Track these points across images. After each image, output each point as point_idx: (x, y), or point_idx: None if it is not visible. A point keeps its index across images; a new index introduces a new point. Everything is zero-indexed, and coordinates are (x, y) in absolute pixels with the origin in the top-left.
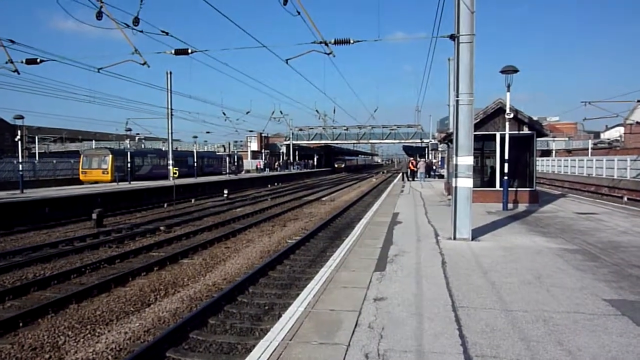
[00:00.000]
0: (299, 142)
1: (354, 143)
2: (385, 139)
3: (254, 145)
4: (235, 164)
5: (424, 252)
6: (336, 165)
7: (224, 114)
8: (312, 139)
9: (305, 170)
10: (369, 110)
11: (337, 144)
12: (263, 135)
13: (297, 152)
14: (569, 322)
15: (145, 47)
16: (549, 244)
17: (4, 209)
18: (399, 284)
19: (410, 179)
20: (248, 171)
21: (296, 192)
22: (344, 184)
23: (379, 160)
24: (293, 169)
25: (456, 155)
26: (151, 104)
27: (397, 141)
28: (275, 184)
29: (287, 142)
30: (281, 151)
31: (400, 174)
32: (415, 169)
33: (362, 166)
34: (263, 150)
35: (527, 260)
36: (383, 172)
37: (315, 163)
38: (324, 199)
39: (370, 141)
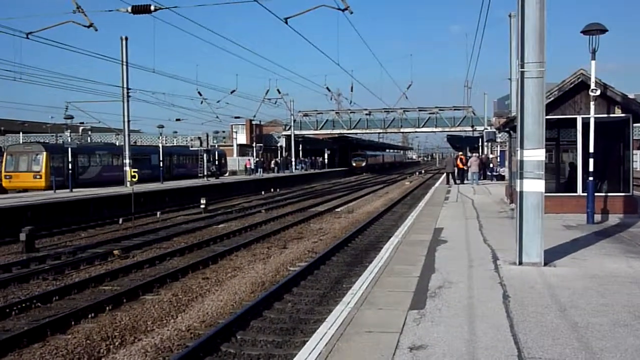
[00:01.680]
0: (303, 132)
1: (379, 133)
2: (423, 126)
3: (241, 138)
4: (217, 162)
5: (478, 283)
6: (354, 164)
7: (200, 94)
8: (321, 128)
9: (312, 171)
10: (400, 88)
11: (355, 134)
12: (254, 123)
13: (300, 145)
14: None
15: (91, 4)
16: None
17: None
18: (444, 326)
19: (458, 182)
20: (234, 173)
21: (300, 200)
22: (366, 190)
23: (414, 156)
24: (296, 169)
25: (521, 147)
26: (100, 82)
27: (439, 129)
28: (272, 189)
29: (287, 133)
30: (279, 145)
31: (444, 175)
32: (464, 168)
33: (391, 164)
34: (254, 144)
35: (622, 293)
36: (420, 173)
37: (325, 161)
38: (338, 210)
39: (402, 130)
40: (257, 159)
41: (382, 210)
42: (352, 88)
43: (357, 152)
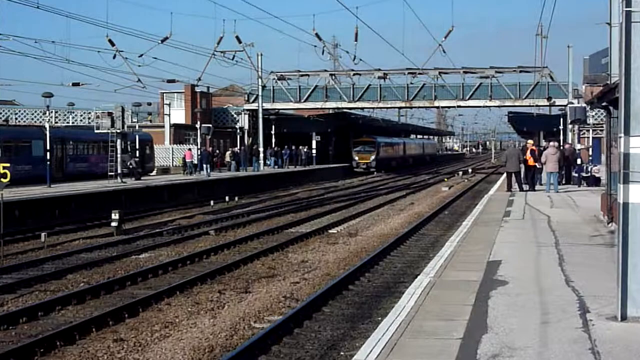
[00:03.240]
0: (277, 105)
1: (399, 108)
2: (470, 98)
3: (178, 115)
4: (138, 154)
5: (556, 350)
6: (358, 157)
7: (112, 43)
8: (306, 99)
9: (291, 169)
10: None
11: (361, 109)
12: (199, 90)
13: (274, 127)
14: None
15: None
16: None
17: None
18: None
19: (525, 187)
20: (166, 170)
21: (273, 215)
22: (378, 199)
23: (456, 146)
24: (266, 164)
25: (626, 133)
26: None
27: (496, 103)
28: (227, 198)
29: (252, 106)
30: (239, 127)
31: (504, 177)
32: (536, 165)
33: (418, 158)
34: (199, 125)
35: None
36: (464, 173)
37: (314, 152)
38: (333, 231)
39: (437, 103)
40: (203, 149)
41: (404, 232)
42: (356, 35)
43: (363, 138)
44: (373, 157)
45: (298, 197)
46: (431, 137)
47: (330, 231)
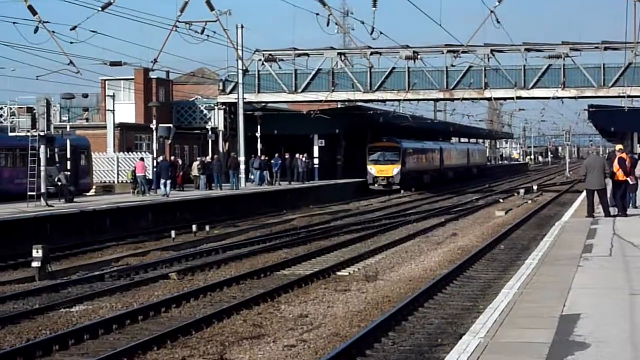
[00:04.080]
0: (264, 96)
1: (434, 100)
2: (534, 86)
3: (125, 111)
4: (70, 166)
5: None
6: (375, 170)
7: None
8: (304, 89)
9: (283, 186)
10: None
11: (381, 103)
12: (155, 77)
13: (259, 126)
14: None
15: None
16: None
17: None
18: None
19: (613, 210)
20: (109, 187)
21: (260, 251)
22: (406, 228)
23: (515, 153)
24: (248, 180)
25: None
26: None
27: (571, 93)
28: (195, 227)
29: (229, 99)
30: (211, 127)
31: (584, 195)
32: (629, 181)
33: (461, 169)
34: (155, 125)
35: None
36: (527, 191)
37: (315, 162)
38: (343, 273)
39: (487, 94)
40: (161, 159)
41: (443, 274)
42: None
43: (381, 142)
44: (396, 168)
45: (294, 226)
46: (480, 140)
47: (339, 273)
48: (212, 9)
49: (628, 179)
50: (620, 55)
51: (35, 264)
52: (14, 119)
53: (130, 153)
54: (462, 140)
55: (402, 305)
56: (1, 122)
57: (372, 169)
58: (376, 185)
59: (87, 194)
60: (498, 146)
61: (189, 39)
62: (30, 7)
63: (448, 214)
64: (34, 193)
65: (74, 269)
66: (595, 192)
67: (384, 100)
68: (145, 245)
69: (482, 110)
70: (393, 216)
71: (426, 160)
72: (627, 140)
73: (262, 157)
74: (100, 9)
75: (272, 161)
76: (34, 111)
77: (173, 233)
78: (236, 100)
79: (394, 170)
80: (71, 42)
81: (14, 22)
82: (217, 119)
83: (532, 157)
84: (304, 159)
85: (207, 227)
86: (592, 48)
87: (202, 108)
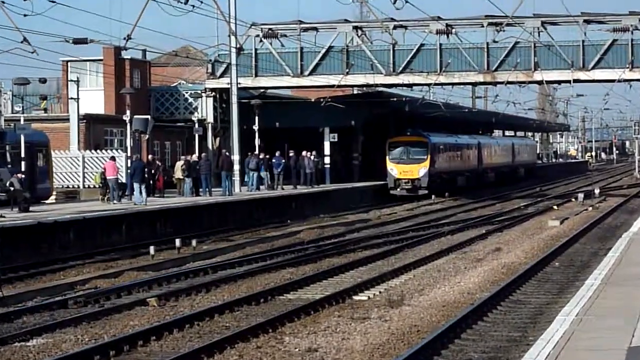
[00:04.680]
0: (264, 81)
1: (472, 84)
2: (594, 66)
3: (92, 100)
4: (25, 167)
5: None
6: (397, 171)
7: None
8: (312, 72)
9: (287, 191)
10: None
11: (407, 88)
12: (127, 57)
13: (257, 118)
14: None
15: None
16: None
17: None
18: None
19: None
20: (73, 193)
21: (259, 271)
22: (438, 242)
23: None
24: (243, 184)
25: None
26: None
27: None
28: (178, 242)
29: (220, 84)
30: (197, 119)
31: None
32: None
33: (505, 169)
34: (128, 116)
35: None
36: (587, 196)
37: (326, 162)
38: (361, 297)
39: (538, 76)
40: (137, 158)
41: (484, 298)
42: None
43: (404, 136)
44: (423, 169)
45: (300, 240)
46: (529, 134)
47: (356, 298)
48: None
49: None
50: None
51: None
52: None
53: (98, 151)
54: (507, 133)
55: (434, 336)
56: None
57: (394, 169)
58: (399, 189)
59: (47, 201)
60: (551, 141)
61: (170, 10)
62: None
63: (489, 224)
64: None
65: (31, 294)
66: None
67: (410, 85)
68: (117, 264)
69: (532, 96)
70: (422, 227)
71: (461, 159)
72: None
73: (261, 156)
74: None
75: (274, 160)
76: None
77: (152, 249)
78: (229, 86)
79: (420, 170)
80: (25, 15)
81: None
82: (206, 109)
83: (593, 153)
84: (312, 157)
85: (194, 242)
86: None
87: (186, 95)
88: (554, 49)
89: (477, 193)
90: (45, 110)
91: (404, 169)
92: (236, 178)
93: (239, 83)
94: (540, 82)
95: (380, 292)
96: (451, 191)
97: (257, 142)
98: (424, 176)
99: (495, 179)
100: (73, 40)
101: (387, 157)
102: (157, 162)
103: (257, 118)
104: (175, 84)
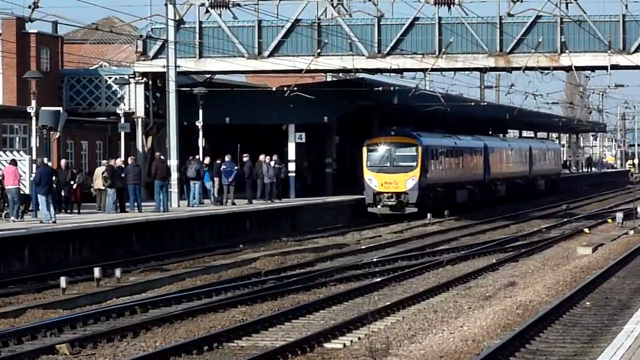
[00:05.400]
0: (211, 64)
1: (479, 70)
2: (637, 50)
3: None
4: None
5: None
6: (377, 182)
7: None
8: (272, 53)
9: (240, 206)
10: None
11: (396, 75)
12: (32, 31)
13: (202, 111)
14: None
15: None
16: None
17: None
18: None
19: None
20: None
21: (200, 310)
22: (435, 274)
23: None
24: (183, 197)
25: None
26: None
27: None
28: (98, 272)
29: (153, 67)
30: (123, 111)
31: None
32: None
33: (519, 180)
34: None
35: None
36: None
37: (291, 168)
38: (334, 345)
39: (564, 61)
40: (40, 162)
41: (494, 347)
42: None
43: (386, 137)
44: (412, 179)
45: (256, 270)
46: (553, 135)
47: (328, 346)
48: None
49: None
50: None
51: None
52: None
53: None
54: (524, 134)
55: None
56: None
57: (373, 180)
58: (379, 206)
59: None
60: (582, 144)
61: None
62: None
63: (501, 251)
64: None
65: None
66: None
67: (400, 71)
68: (18, 300)
69: (557, 86)
70: (414, 255)
71: (462, 167)
72: None
73: (206, 161)
74: None
75: (223, 167)
76: None
77: (63, 281)
78: (164, 70)
79: (408, 182)
80: None
81: None
82: (135, 100)
83: (637, 161)
84: (272, 163)
85: (118, 272)
86: None
87: (110, 82)
88: (585, 26)
89: (484, 211)
90: None
91: (386, 179)
92: (174, 189)
93: (179, 66)
94: (568, 69)
95: (359, 339)
96: (450, 208)
97: (200, 142)
98: (412, 189)
99: (507, 193)
100: None
101: (364, 164)
102: (73, 169)
103: (201, 112)
104: (95, 67)
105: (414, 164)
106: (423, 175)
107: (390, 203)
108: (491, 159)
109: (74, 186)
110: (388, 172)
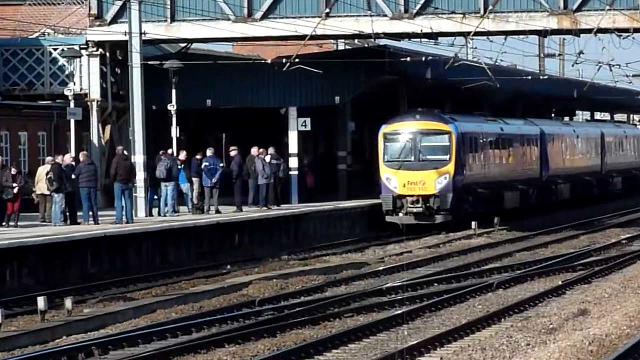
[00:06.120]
0: (187, 29)
1: (537, 34)
2: None
3: None
4: None
5: None
6: (396, 182)
7: None
8: (266, 14)
9: (227, 215)
10: None
11: (426, 38)
12: None
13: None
14: None
15: None
16: None
17: None
18: None
19: None
20: None
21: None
22: (482, 300)
23: None
24: (153, 204)
25: None
26: None
27: None
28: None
29: (112, 34)
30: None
31: None
32: None
33: (587, 177)
34: None
35: None
36: None
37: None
38: None
39: None
40: None
41: None
42: None
43: (410, 120)
44: (444, 177)
45: (248, 298)
46: (635, 118)
47: None
48: None
49: None
50: None
51: None
52: None
53: None
54: (597, 116)
55: None
56: None
57: (392, 179)
58: (401, 214)
59: None
60: None
61: None
62: None
63: (568, 270)
64: None
65: None
66: None
67: (434, 35)
68: None
69: (634, 55)
70: (454, 276)
71: (512, 160)
72: None
73: (181, 156)
74: None
75: (204, 164)
76: None
77: None
78: (126, 38)
79: (438, 181)
80: None
81: None
82: (88, 78)
83: None
84: (268, 158)
85: (69, 302)
86: None
87: (55, 54)
88: None
89: (543, 219)
90: None
91: (410, 178)
92: (139, 194)
93: (145, 33)
94: None
95: None
96: (501, 216)
97: (174, 132)
98: (444, 191)
99: (572, 194)
100: None
101: (380, 159)
102: (11, 168)
103: (174, 92)
104: (36, 35)
105: (447, 157)
106: (458, 172)
107: (415, 210)
108: (550, 150)
109: (15, 191)
110: (412, 169)
